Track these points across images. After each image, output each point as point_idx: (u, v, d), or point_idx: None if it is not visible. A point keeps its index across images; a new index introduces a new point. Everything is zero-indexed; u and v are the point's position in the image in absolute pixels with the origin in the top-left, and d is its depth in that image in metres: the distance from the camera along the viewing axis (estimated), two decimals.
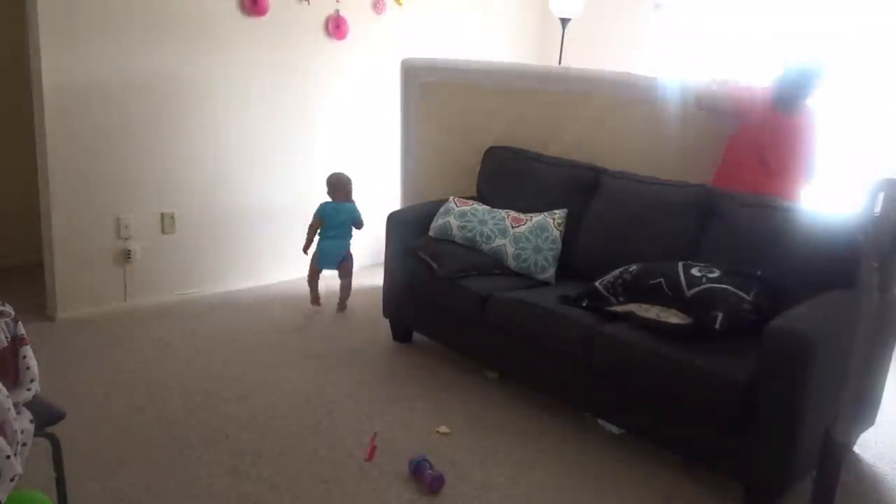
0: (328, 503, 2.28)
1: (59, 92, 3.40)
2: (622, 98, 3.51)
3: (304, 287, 4.03)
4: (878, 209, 1.98)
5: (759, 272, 2.64)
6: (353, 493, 2.34)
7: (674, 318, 2.51)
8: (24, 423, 1.65)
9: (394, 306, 3.55)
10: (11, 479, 1.49)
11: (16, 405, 1.64)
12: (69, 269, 3.60)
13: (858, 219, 2.01)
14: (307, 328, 3.72)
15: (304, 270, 4.46)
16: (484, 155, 3.88)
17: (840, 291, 2.41)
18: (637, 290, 2.69)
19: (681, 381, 2.39)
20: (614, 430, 2.80)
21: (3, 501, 1.50)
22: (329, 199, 3.98)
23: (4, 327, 1.71)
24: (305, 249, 4.00)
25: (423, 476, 2.38)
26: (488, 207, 3.44)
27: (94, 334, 3.47)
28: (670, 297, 2.57)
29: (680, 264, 2.66)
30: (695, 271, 2.59)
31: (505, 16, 5.26)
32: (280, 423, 2.76)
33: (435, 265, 3.20)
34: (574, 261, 3.27)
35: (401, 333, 3.60)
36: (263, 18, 3.98)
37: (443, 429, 2.77)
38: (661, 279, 2.62)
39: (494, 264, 3.23)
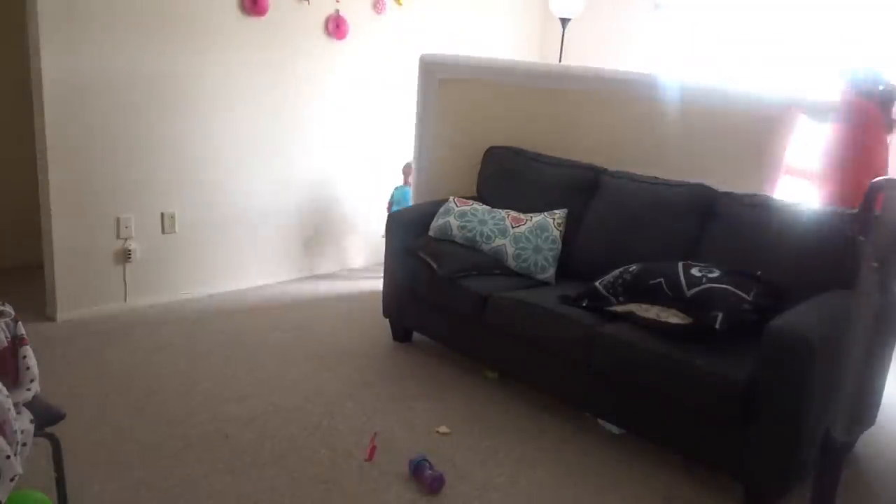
0: (328, 503, 2.28)
1: (59, 92, 3.40)
2: (643, 97, 3.49)
3: (304, 287, 4.03)
4: (878, 209, 1.98)
5: (759, 272, 2.64)
6: (353, 493, 2.34)
7: (674, 318, 2.51)
8: (24, 423, 1.65)
9: (394, 306, 3.55)
10: (11, 479, 1.50)
11: (16, 405, 1.65)
12: (69, 269, 3.60)
13: (858, 219, 2.01)
14: (307, 328, 3.72)
15: (304, 270, 4.47)
16: (484, 155, 3.88)
17: (840, 291, 2.41)
18: (637, 290, 2.69)
19: (681, 381, 2.39)
20: (614, 430, 2.80)
21: (3, 501, 1.50)
22: (401, 184, 4.53)
23: (4, 327, 1.71)
24: None
25: (423, 476, 2.38)
26: (488, 207, 3.44)
27: (94, 334, 3.47)
28: (670, 297, 2.57)
29: (680, 264, 2.66)
30: (695, 271, 2.60)
31: (505, 15, 5.26)
32: (280, 423, 2.76)
33: (435, 265, 3.20)
34: (574, 261, 3.27)
35: (401, 333, 3.60)
36: (263, 18, 3.98)
37: (443, 429, 2.77)
38: (661, 279, 2.62)
39: (494, 264, 3.23)
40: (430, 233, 3.44)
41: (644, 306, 2.63)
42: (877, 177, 3.16)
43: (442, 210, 3.46)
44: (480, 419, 2.87)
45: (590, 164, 3.46)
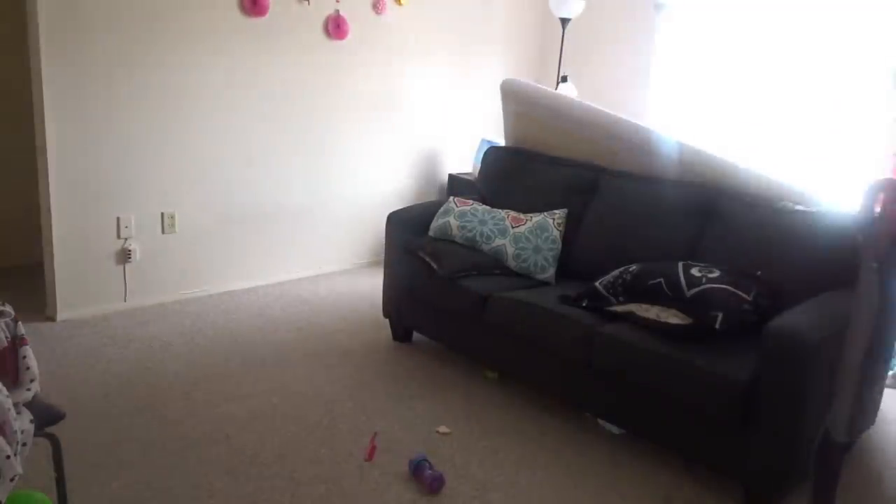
0: (328, 503, 2.28)
1: (59, 92, 3.40)
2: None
3: (304, 287, 4.03)
4: (878, 209, 1.98)
5: (759, 272, 2.64)
6: (353, 493, 2.34)
7: (674, 318, 2.51)
8: (24, 423, 1.65)
9: (394, 306, 3.55)
10: (11, 479, 1.50)
11: (16, 405, 1.65)
12: (69, 269, 3.60)
13: (858, 219, 2.01)
14: (307, 328, 3.72)
15: (304, 270, 4.47)
16: (484, 155, 3.88)
17: (840, 291, 2.41)
18: (637, 290, 2.69)
19: (681, 381, 2.39)
20: (614, 430, 2.80)
21: (3, 501, 1.50)
22: None
23: (4, 327, 1.72)
24: None
25: (423, 476, 2.38)
26: (488, 207, 3.44)
27: (94, 334, 3.47)
28: (670, 297, 2.57)
29: (680, 264, 2.66)
30: (695, 271, 2.60)
31: (505, 16, 5.25)
32: (280, 423, 2.76)
33: (435, 265, 3.20)
34: (574, 261, 3.27)
35: (401, 333, 3.60)
36: (263, 18, 3.98)
37: (443, 429, 2.77)
38: (661, 279, 2.62)
39: (494, 264, 3.23)
40: (430, 233, 3.45)
41: (644, 306, 2.63)
42: None
43: (442, 210, 3.46)
44: (480, 419, 2.87)
45: (590, 164, 3.45)
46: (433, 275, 3.19)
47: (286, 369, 3.22)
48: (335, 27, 4.28)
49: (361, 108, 4.56)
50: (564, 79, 4.84)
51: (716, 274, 2.57)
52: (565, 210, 3.34)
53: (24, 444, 1.62)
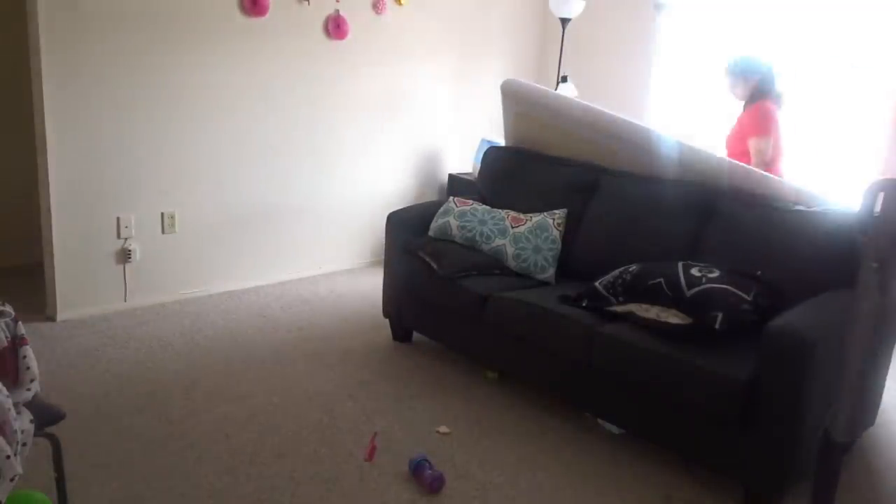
0: (328, 503, 2.28)
1: (59, 92, 3.40)
2: None
3: (304, 287, 4.03)
4: (878, 209, 1.98)
5: (759, 272, 2.64)
6: (353, 493, 2.34)
7: (674, 318, 2.51)
8: (24, 423, 1.65)
9: (394, 306, 3.55)
10: (11, 479, 1.50)
11: (16, 405, 1.65)
12: (69, 269, 3.60)
13: (858, 219, 2.01)
14: (307, 328, 3.72)
15: (304, 270, 4.47)
16: (484, 155, 3.88)
17: (840, 291, 2.41)
18: (637, 290, 2.69)
19: (681, 381, 2.39)
20: (614, 430, 2.80)
21: (3, 501, 1.50)
22: None
23: (4, 327, 1.71)
24: None
25: (423, 476, 2.38)
26: (488, 207, 3.44)
27: (94, 334, 3.47)
28: (670, 297, 2.57)
29: (680, 264, 2.66)
30: (695, 271, 2.59)
31: (505, 15, 5.25)
32: (280, 422, 2.76)
33: (435, 265, 3.20)
34: (574, 261, 3.27)
35: (401, 333, 3.60)
36: (263, 19, 3.98)
37: (443, 429, 2.77)
38: (661, 279, 2.62)
39: (494, 264, 3.23)
40: (430, 233, 3.45)
41: (644, 306, 2.63)
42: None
43: (442, 210, 3.46)
44: (480, 419, 2.87)
45: (590, 164, 3.45)
46: (433, 275, 3.19)
47: (286, 369, 3.22)
48: (335, 27, 4.28)
49: (361, 108, 4.56)
50: (564, 79, 4.83)
51: (716, 274, 2.57)
52: (565, 210, 3.34)
53: (24, 444, 1.62)
